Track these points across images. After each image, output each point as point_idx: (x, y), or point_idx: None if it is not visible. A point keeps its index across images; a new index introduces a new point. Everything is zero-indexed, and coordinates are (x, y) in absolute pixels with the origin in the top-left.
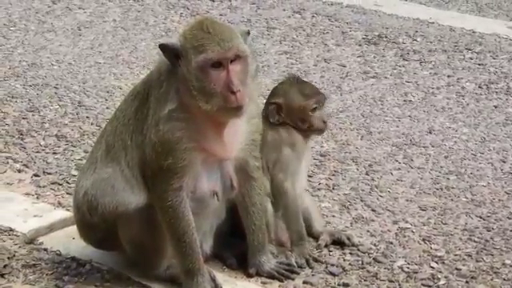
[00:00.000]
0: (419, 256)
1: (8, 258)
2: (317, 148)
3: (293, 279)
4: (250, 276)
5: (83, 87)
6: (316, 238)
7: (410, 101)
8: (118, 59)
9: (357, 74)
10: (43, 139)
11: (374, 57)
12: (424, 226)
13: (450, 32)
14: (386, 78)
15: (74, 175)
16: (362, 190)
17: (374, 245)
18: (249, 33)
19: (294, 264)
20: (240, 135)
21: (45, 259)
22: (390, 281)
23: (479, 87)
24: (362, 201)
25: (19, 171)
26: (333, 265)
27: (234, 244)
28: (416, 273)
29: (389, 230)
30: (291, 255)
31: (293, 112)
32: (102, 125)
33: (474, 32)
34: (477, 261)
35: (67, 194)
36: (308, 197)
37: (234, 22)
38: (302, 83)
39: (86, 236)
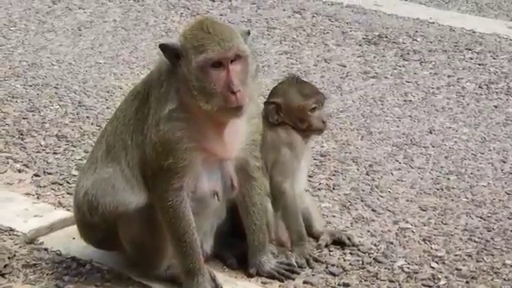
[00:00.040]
0: (419, 256)
1: (8, 257)
2: (317, 148)
3: (293, 279)
4: (250, 276)
5: (83, 87)
6: (316, 238)
7: (411, 101)
8: (119, 59)
9: (357, 74)
10: (43, 139)
11: (374, 57)
12: (424, 226)
13: (450, 32)
14: (386, 78)
15: (75, 175)
16: (363, 190)
17: (375, 245)
18: (249, 33)
19: (295, 264)
20: (240, 135)
21: (45, 259)
22: (391, 281)
23: (479, 87)
24: (362, 201)
25: (19, 171)
26: (333, 265)
27: (235, 244)
28: (416, 273)
29: (389, 230)
30: (291, 255)
31: (292, 112)
32: (102, 125)
33: (474, 32)
34: (477, 261)
35: (67, 193)
36: (308, 197)
37: (234, 22)
38: (302, 83)
39: (86, 236)
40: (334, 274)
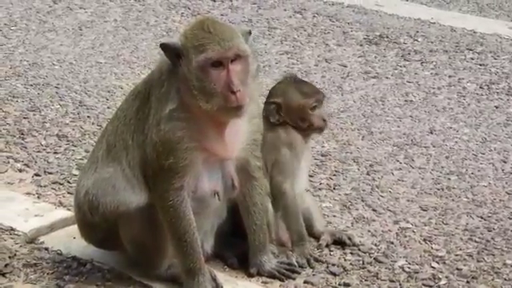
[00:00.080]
0: (420, 256)
1: (9, 257)
2: (318, 148)
3: (294, 279)
4: (250, 276)
5: (84, 87)
6: (317, 237)
7: (411, 101)
8: (119, 59)
9: (358, 74)
10: (44, 139)
11: (375, 57)
12: (425, 226)
13: (451, 32)
14: (387, 78)
15: (75, 175)
16: (363, 190)
17: (375, 245)
18: (250, 33)
19: (295, 264)
20: (241, 135)
21: (46, 258)
22: (391, 281)
23: (480, 87)
24: (362, 201)
25: (20, 171)
26: (334, 264)
27: (235, 244)
28: (417, 273)
29: (390, 230)
30: (292, 255)
31: (292, 111)
32: (102, 124)
33: (475, 32)
34: (478, 261)
35: (68, 193)
36: (309, 197)
37: (234, 21)
38: (301, 82)
39: (86, 235)
40: (334, 274)
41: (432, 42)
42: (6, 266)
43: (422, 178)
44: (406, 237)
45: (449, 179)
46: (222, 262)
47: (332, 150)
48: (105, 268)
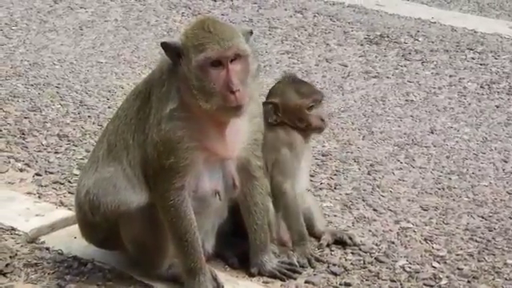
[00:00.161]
0: (421, 256)
1: (10, 256)
2: (318, 148)
3: (295, 279)
4: (251, 275)
5: (85, 87)
6: (318, 237)
7: (412, 101)
8: (120, 59)
9: (358, 74)
10: (45, 138)
11: (376, 56)
12: (426, 225)
13: (452, 32)
14: (387, 77)
15: (76, 174)
16: (364, 190)
17: (376, 244)
18: (251, 32)
19: (296, 263)
20: (242, 134)
21: (47, 258)
22: (392, 280)
23: (481, 87)
24: (363, 200)
25: (21, 170)
26: (334, 264)
27: (236, 243)
28: (418, 272)
29: (390, 230)
30: (293, 255)
31: (290, 111)
32: (103, 124)
33: (475, 32)
34: (478, 261)
35: (69, 193)
36: (310, 196)
37: (235, 21)
38: (299, 82)
39: (87, 235)
40: (335, 274)
41: (433, 42)
42: (6, 265)
43: (423, 178)
44: (406, 236)
45: (449, 179)
46: (222, 261)
47: (333, 149)
48: (106, 268)
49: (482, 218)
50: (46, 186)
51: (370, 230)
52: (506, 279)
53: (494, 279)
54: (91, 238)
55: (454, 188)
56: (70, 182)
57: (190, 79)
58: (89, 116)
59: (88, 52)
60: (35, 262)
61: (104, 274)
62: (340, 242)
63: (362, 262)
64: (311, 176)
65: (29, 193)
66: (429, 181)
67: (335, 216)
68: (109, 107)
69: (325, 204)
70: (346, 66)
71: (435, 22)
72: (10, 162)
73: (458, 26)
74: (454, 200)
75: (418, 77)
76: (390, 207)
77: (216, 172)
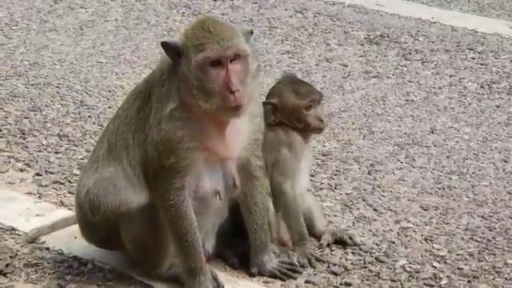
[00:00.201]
0: (421, 255)
1: (10, 256)
2: (319, 147)
3: (295, 279)
4: (252, 275)
5: (85, 86)
6: (318, 237)
7: (412, 100)
8: (120, 59)
9: (359, 74)
10: (45, 138)
11: (376, 56)
12: (426, 225)
13: (452, 32)
14: (388, 77)
15: (76, 174)
16: (364, 190)
17: (376, 244)
18: (252, 32)
19: (296, 263)
20: (242, 134)
21: (47, 258)
22: (392, 280)
23: (481, 87)
24: (364, 200)
25: (21, 170)
26: (335, 264)
27: (236, 243)
28: (418, 272)
29: (391, 230)
30: (293, 254)
31: (288, 111)
32: (103, 124)
33: (475, 32)
34: (479, 260)
35: (69, 193)
36: (310, 196)
37: (235, 21)
38: (297, 82)
39: (88, 235)
40: (335, 274)
41: (433, 42)
42: (7, 265)
43: (423, 178)
44: (407, 236)
45: (450, 179)
46: (223, 261)
47: (333, 149)
48: (106, 268)
49: (483, 217)
50: (46, 186)
51: (370, 230)
52: (506, 279)
53: (494, 279)
54: (91, 237)
55: (455, 188)
56: (70, 181)
57: (189, 79)
58: (89, 116)
59: (88, 52)
60: (35, 262)
61: (104, 274)
62: (340, 242)
63: (362, 261)
64: (311, 176)
65: (29, 193)
66: (429, 181)
67: (335, 216)
68: (109, 107)
69: (325, 204)
70: (347, 66)
71: (435, 22)
72: (10, 162)
73: (458, 25)
74: (454, 200)
75: (418, 77)
76: (391, 207)
77: (216, 172)
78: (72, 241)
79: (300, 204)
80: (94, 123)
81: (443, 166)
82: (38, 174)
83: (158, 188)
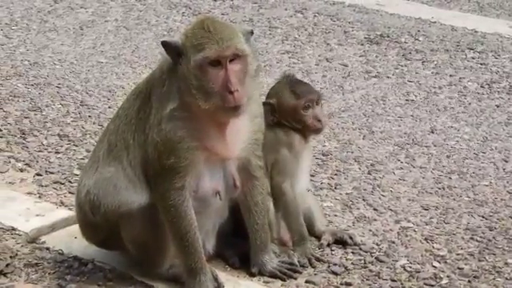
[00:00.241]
0: (421, 255)
1: (10, 257)
2: (319, 147)
3: (295, 278)
4: (252, 275)
5: (85, 86)
6: (318, 237)
7: (412, 100)
8: (120, 59)
9: (359, 74)
10: (45, 138)
11: (376, 56)
12: (426, 225)
13: (452, 31)
14: (388, 77)
15: (77, 174)
16: (364, 190)
17: (377, 244)
18: (252, 32)
19: (297, 263)
20: (243, 134)
21: (47, 258)
22: (393, 280)
23: (481, 87)
24: (364, 200)
25: (21, 170)
26: (335, 264)
27: (237, 243)
28: (418, 272)
29: (391, 230)
30: (293, 254)
31: (286, 112)
32: (104, 124)
33: (475, 31)
34: (479, 260)
35: (69, 193)
36: (310, 196)
37: (235, 21)
38: (295, 82)
39: (88, 235)
40: (336, 274)
41: (433, 42)
42: (7, 265)
43: (423, 178)
44: (407, 236)
45: (450, 178)
46: (223, 261)
47: (333, 149)
48: (106, 268)
49: (483, 217)
50: (46, 186)
51: (370, 230)
52: (506, 279)
53: (494, 279)
54: (92, 238)
55: (455, 187)
56: (70, 181)
57: (189, 79)
58: (89, 116)
59: (88, 52)
60: (36, 262)
61: (105, 274)
62: (340, 242)
63: (362, 261)
64: (312, 176)
65: (29, 193)
66: (429, 180)
67: (336, 216)
68: (109, 107)
69: (325, 204)
70: (347, 66)
71: (435, 22)
72: (10, 162)
73: (458, 25)
74: (454, 199)
75: (418, 76)
76: (391, 207)
77: (217, 172)
78: (72, 241)
79: (300, 204)
80: (94, 123)
81: (443, 166)
82: (38, 174)
83: (158, 188)
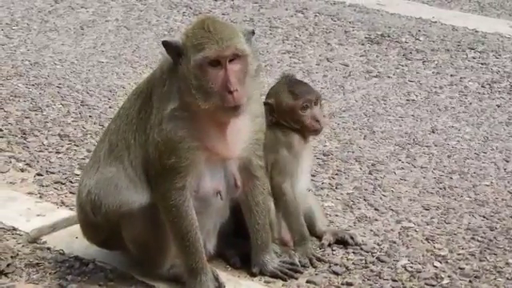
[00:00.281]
0: (422, 255)
1: (11, 257)
2: (320, 147)
3: (296, 278)
4: (253, 275)
5: (86, 86)
6: (319, 237)
7: (413, 100)
8: (121, 58)
9: (360, 74)
10: (46, 138)
11: (377, 56)
12: (427, 225)
13: (453, 31)
14: (388, 77)
15: (77, 174)
16: (365, 190)
17: (378, 244)
18: (253, 32)
19: (298, 263)
20: (243, 134)
21: (48, 258)
22: (394, 280)
23: (482, 86)
24: (365, 200)
25: (22, 170)
26: (336, 264)
27: (238, 243)
28: (419, 272)
29: (392, 230)
30: (294, 254)
31: (284, 112)
32: (104, 124)
33: (476, 31)
34: (480, 260)
35: (70, 193)
36: (311, 196)
37: (236, 21)
38: (294, 82)
39: (89, 235)
40: (337, 274)
41: (434, 41)
42: (8, 265)
43: (424, 178)
44: (408, 236)
45: (451, 178)
46: (224, 261)
47: (334, 149)
48: (107, 268)
49: (484, 217)
50: (47, 186)
51: (371, 230)
52: (507, 279)
53: (495, 279)
54: (93, 238)
55: (456, 187)
56: (71, 182)
57: (188, 78)
58: (90, 116)
59: (89, 52)
60: (36, 262)
61: (106, 274)
62: (341, 242)
63: (363, 261)
64: (312, 176)
65: (30, 193)
66: (430, 180)
67: (337, 216)
68: (110, 107)
69: (326, 204)
70: (347, 66)
71: (436, 22)
72: (11, 162)
73: (458, 25)
74: (455, 199)
75: (419, 76)
76: (392, 207)
77: (218, 172)
78: (73, 241)
79: (301, 204)
80: (94, 123)
81: (444, 166)
82: (38, 174)
83: (159, 188)
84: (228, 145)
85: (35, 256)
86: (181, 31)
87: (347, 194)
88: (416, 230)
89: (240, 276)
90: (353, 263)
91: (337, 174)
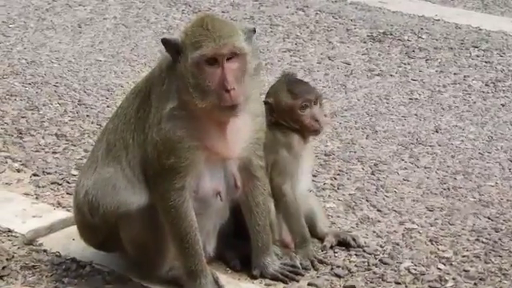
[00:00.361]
0: (426, 257)
1: (7, 259)
2: (321, 147)
3: (297, 281)
4: (253, 277)
5: (83, 85)
6: (321, 239)
7: (416, 99)
8: (119, 57)
9: (362, 72)
10: (43, 138)
11: (379, 54)
12: (431, 226)
13: (456, 29)
14: (391, 75)
15: (74, 175)
16: (368, 190)
17: (380, 246)
18: (254, 31)
19: (299, 265)
20: (243, 134)
21: (44, 260)
22: (397, 282)
23: (486, 85)
24: (367, 201)
25: (18, 171)
26: (338, 266)
27: (238, 245)
28: (423, 274)
29: (395, 231)
30: (296, 256)
31: (283, 112)
32: (102, 123)
33: (480, 29)
34: (485, 262)
35: (67, 194)
36: (312, 197)
37: (236, 19)
38: (294, 82)
39: (86, 237)
40: (339, 276)
41: (436, 40)
42: (3, 268)
43: (428, 178)
44: (411, 238)
45: (455, 179)
46: (224, 263)
47: (336, 149)
48: (105, 270)
49: (489, 218)
50: (43, 187)
51: (374, 231)
52: None
53: (500, 281)
54: (90, 239)
55: (460, 188)
56: (68, 182)
57: (186, 77)
58: (87, 115)
59: (87, 50)
60: (32, 264)
61: (103, 277)
62: (344, 244)
63: (366, 263)
64: (314, 176)
65: (26, 194)
66: (434, 181)
67: (338, 217)
68: (108, 106)
69: (328, 205)
70: (349, 64)
71: (439, 20)
72: (6, 163)
73: (462, 23)
74: (459, 200)
75: (422, 75)
76: (395, 208)
77: (217, 172)
78: (70, 243)
79: (301, 205)
80: (92, 122)
81: (448, 166)
82: (35, 175)
83: (157, 188)
84: (228, 144)
85: (31, 258)
86: (180, 29)
87: (349, 194)
88: (419, 232)
89: (240, 278)
90: (355, 265)
91: (338, 175)
